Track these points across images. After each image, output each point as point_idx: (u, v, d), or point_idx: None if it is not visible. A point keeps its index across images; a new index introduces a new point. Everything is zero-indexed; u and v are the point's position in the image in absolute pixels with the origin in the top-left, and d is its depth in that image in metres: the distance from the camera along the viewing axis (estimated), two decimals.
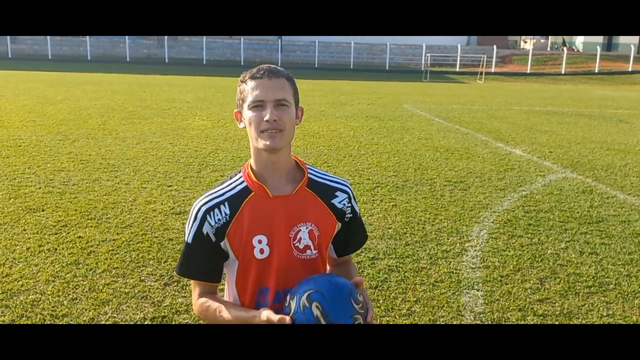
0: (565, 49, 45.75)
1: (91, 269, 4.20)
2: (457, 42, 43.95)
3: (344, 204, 1.87)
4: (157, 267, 4.28)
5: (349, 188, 1.91)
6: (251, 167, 1.80)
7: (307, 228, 1.77)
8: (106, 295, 3.79)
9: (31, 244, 4.67)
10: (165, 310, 3.61)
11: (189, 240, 1.79)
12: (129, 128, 10.89)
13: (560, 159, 9.25)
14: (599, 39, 50.61)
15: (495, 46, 41.26)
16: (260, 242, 1.74)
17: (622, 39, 50.72)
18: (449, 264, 4.55)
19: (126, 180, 6.86)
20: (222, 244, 1.77)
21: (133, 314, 3.56)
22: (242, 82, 1.75)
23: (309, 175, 1.83)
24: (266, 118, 1.67)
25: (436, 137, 11.01)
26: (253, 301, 1.79)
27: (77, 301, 3.70)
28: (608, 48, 49.93)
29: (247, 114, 1.72)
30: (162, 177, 7.05)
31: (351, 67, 39.15)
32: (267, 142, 1.69)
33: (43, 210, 5.54)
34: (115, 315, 3.54)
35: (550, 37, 57.13)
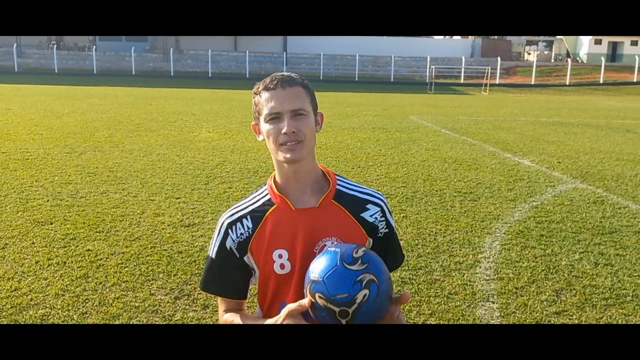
0: (569, 60, 45.77)
1: (101, 283, 4.16)
2: (461, 54, 44.14)
3: (377, 218, 1.76)
4: (167, 281, 4.23)
5: (383, 201, 1.79)
6: (274, 179, 1.74)
7: (332, 243, 1.66)
8: (116, 309, 3.74)
9: (40, 257, 4.63)
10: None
11: (213, 255, 1.74)
12: (135, 140, 10.90)
13: (570, 169, 9.18)
14: (603, 49, 50.70)
15: (499, 58, 41.37)
16: (280, 256, 1.67)
17: (627, 50, 50.75)
18: (463, 276, 4.48)
19: (134, 192, 6.84)
20: (245, 258, 1.71)
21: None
22: (256, 94, 1.68)
23: (337, 187, 1.74)
24: (284, 130, 1.61)
25: (444, 148, 10.96)
26: (272, 317, 1.72)
27: (87, 315, 3.65)
28: (612, 59, 49.94)
29: (265, 126, 1.66)
30: (170, 189, 7.02)
31: (356, 79, 39.27)
32: (287, 155, 1.62)
33: (51, 224, 5.51)
34: None
35: (554, 48, 57.26)
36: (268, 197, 1.73)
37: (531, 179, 8.30)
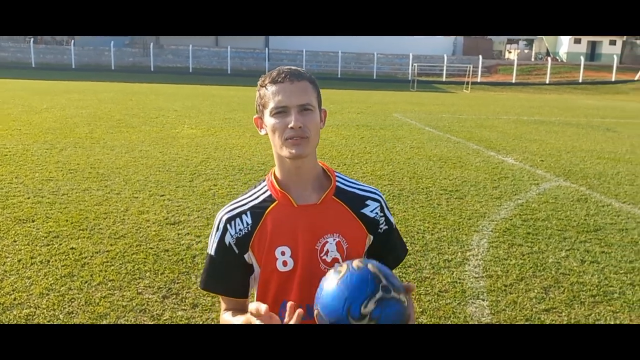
0: (549, 59, 46.30)
1: (86, 282, 4.07)
2: (443, 52, 44.38)
3: (376, 214, 1.74)
4: (154, 280, 4.15)
5: (381, 197, 1.78)
6: (275, 175, 1.69)
7: (334, 240, 1.65)
8: (103, 308, 3.67)
9: (22, 255, 4.52)
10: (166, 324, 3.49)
11: (212, 252, 1.68)
12: (116, 137, 10.74)
13: (553, 167, 9.27)
14: (583, 49, 51.40)
15: (480, 56, 41.69)
16: (283, 253, 1.63)
17: (605, 49, 51.53)
18: (452, 274, 4.48)
19: (117, 189, 6.72)
20: (246, 256, 1.66)
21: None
22: (261, 86, 1.63)
23: (337, 184, 1.72)
24: (291, 125, 1.56)
25: (428, 146, 10.99)
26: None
27: (73, 315, 3.57)
28: (591, 58, 50.64)
29: (270, 120, 1.61)
30: (154, 187, 6.92)
31: (339, 76, 39.25)
32: (293, 151, 1.58)
33: (33, 221, 5.39)
34: None
35: (534, 47, 57.93)
36: (268, 193, 1.68)
37: (515, 177, 8.36)
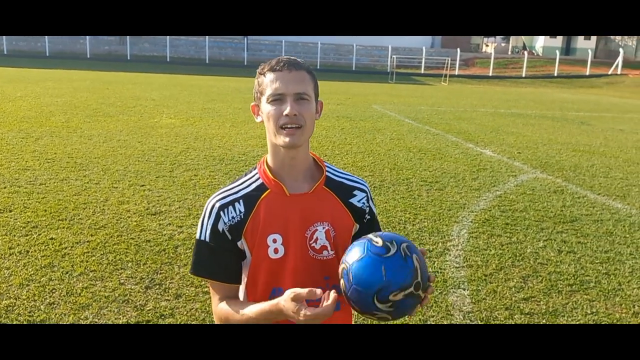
0: (525, 52, 46.83)
1: (67, 272, 4.02)
2: (421, 45, 44.54)
3: (363, 203, 1.80)
4: (136, 270, 4.13)
5: (367, 187, 1.84)
6: (267, 163, 1.71)
7: (323, 228, 1.69)
8: (85, 299, 3.63)
9: (0, 246, 4.45)
10: (149, 315, 3.48)
11: (205, 238, 1.68)
12: (94, 126, 10.58)
13: (530, 159, 9.41)
14: (558, 43, 52.07)
15: (458, 49, 41.96)
16: (275, 241, 1.66)
17: (580, 44, 52.29)
18: (433, 264, 4.54)
19: (96, 179, 6.64)
20: (239, 243, 1.68)
21: (115, 319, 3.41)
22: (260, 74, 1.66)
23: (327, 174, 1.75)
24: (286, 112, 1.59)
25: (408, 138, 11.06)
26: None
27: (54, 306, 3.53)
28: (567, 52, 51.38)
29: (266, 107, 1.63)
30: (134, 177, 6.85)
31: (318, 67, 39.12)
32: (287, 139, 1.60)
33: (10, 211, 5.30)
34: (97, 320, 3.39)
35: (511, 41, 58.48)
36: (260, 181, 1.70)
37: (494, 168, 8.47)
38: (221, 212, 1.67)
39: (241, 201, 1.68)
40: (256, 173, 1.73)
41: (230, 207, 1.67)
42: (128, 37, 37.90)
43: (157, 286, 3.88)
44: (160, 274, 4.08)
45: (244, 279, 1.74)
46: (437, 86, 31.87)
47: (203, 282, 3.95)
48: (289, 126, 1.60)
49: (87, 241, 4.65)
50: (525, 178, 7.96)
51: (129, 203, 5.76)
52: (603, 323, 3.74)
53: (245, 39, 41.85)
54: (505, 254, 4.88)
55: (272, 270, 1.68)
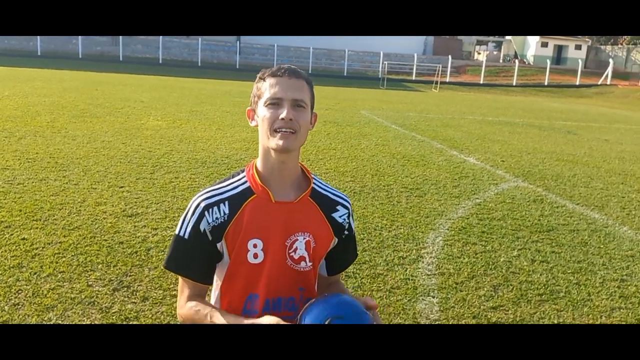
0: (517, 61, 47.12)
1: (35, 273, 4.00)
2: (413, 51, 44.73)
3: (344, 219, 1.83)
4: (106, 272, 4.11)
5: (350, 204, 1.87)
6: (256, 168, 1.74)
7: (304, 238, 1.73)
8: (51, 300, 3.61)
9: None
10: (114, 317, 3.46)
11: (185, 235, 1.71)
12: (79, 126, 10.54)
13: (512, 168, 9.47)
14: (549, 52, 52.51)
15: (450, 56, 42.18)
16: (255, 246, 1.69)
17: (571, 54, 52.72)
18: (405, 271, 4.55)
19: (75, 180, 6.61)
20: (218, 245, 1.70)
21: (79, 321, 3.39)
22: (260, 78, 1.70)
23: (313, 185, 1.79)
24: (282, 116, 1.62)
25: (393, 144, 11.10)
26: (240, 307, 1.72)
27: (19, 307, 3.51)
28: (557, 62, 51.78)
29: (262, 111, 1.67)
30: (114, 178, 6.83)
31: (309, 72, 39.19)
32: (280, 142, 1.63)
33: None
34: (60, 321, 3.37)
35: (502, 49, 58.85)
36: (247, 185, 1.73)
37: (476, 176, 8.51)
38: (205, 212, 1.69)
39: (226, 203, 1.70)
40: (244, 176, 1.75)
41: (215, 208, 1.69)
42: (120, 38, 37.84)
43: (125, 288, 3.86)
44: (130, 276, 4.07)
45: (218, 282, 1.76)
46: (427, 93, 32.00)
47: (171, 286, 3.94)
48: (283, 130, 1.62)
49: (59, 242, 4.62)
50: (507, 186, 8.01)
51: (106, 204, 5.74)
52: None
53: (238, 42, 41.86)
54: (479, 262, 4.90)
55: (250, 275, 1.71)
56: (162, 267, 4.12)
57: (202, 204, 1.69)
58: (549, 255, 5.22)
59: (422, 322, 3.72)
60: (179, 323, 1.78)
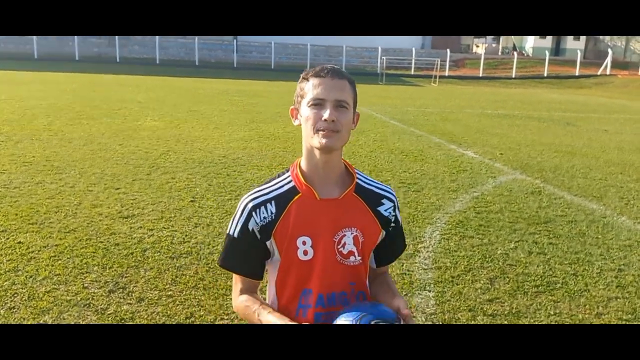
0: (515, 53, 47.02)
1: (31, 276, 4.00)
2: (411, 46, 44.63)
3: (390, 212, 1.85)
4: (101, 274, 4.11)
5: (395, 197, 1.89)
6: (300, 167, 1.77)
7: (352, 234, 1.75)
8: (46, 303, 3.62)
9: None
10: (110, 319, 3.46)
11: (235, 235, 1.77)
12: (76, 129, 10.54)
13: (511, 160, 9.45)
14: (548, 43, 52.33)
15: (448, 50, 42.09)
16: (304, 243, 1.73)
17: (570, 45, 52.55)
18: (402, 265, 4.55)
19: (71, 183, 6.61)
20: (268, 243, 1.75)
21: (75, 323, 3.39)
22: (304, 78, 1.73)
23: (357, 181, 1.80)
24: (324, 117, 1.64)
25: (391, 139, 11.09)
26: (295, 302, 1.77)
27: (15, 310, 3.51)
28: (556, 53, 51.62)
29: (305, 111, 1.69)
30: (110, 180, 6.83)
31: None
32: (323, 141, 1.65)
33: None
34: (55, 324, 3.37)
35: (501, 42, 58.70)
36: (292, 184, 1.76)
37: (474, 170, 8.50)
38: (253, 212, 1.73)
39: (273, 202, 1.74)
40: (288, 175, 1.79)
41: (262, 208, 1.73)
42: (117, 38, 37.79)
43: (121, 290, 3.86)
44: (126, 277, 4.07)
45: (273, 279, 1.81)
46: (426, 87, 31.97)
47: (167, 286, 3.94)
48: (326, 130, 1.65)
49: (55, 245, 4.62)
50: (505, 179, 7.99)
51: (102, 206, 5.74)
52: (565, 324, 3.76)
53: (235, 40, 41.79)
54: (475, 255, 4.89)
55: (301, 272, 1.75)
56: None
57: (250, 205, 1.74)
58: (546, 246, 5.21)
59: (418, 316, 3.72)
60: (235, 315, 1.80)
